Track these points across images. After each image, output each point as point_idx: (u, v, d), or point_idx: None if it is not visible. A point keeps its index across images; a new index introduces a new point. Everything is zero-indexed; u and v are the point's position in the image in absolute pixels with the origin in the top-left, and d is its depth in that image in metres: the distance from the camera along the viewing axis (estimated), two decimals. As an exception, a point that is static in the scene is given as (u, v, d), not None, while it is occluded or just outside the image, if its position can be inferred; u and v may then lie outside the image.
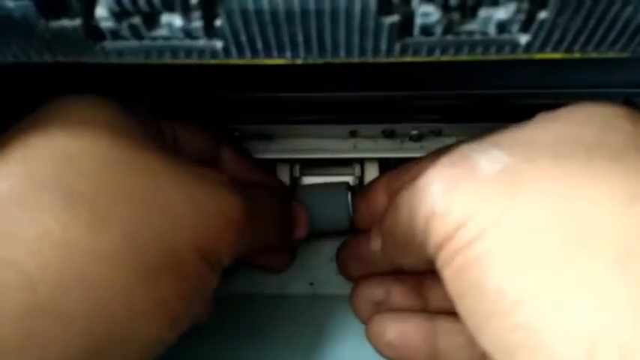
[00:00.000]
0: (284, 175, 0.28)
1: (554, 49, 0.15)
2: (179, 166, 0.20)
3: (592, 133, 0.17)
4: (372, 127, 0.27)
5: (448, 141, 0.27)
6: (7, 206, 0.16)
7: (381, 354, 0.24)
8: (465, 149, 0.18)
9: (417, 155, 0.26)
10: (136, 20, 0.14)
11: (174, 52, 0.16)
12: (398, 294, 0.24)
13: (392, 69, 0.19)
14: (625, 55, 0.16)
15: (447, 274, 0.18)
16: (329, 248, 0.28)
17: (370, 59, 0.16)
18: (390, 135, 0.27)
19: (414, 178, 0.19)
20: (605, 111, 0.18)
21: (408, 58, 0.16)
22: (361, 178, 0.28)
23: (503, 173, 0.17)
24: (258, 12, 0.14)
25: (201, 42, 0.15)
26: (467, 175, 0.17)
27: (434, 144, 0.27)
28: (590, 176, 0.16)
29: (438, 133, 0.27)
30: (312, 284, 0.28)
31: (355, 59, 0.16)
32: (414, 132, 0.27)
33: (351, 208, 0.26)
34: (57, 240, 0.16)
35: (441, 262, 0.18)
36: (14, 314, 0.15)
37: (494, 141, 0.19)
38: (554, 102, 0.26)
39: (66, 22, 0.15)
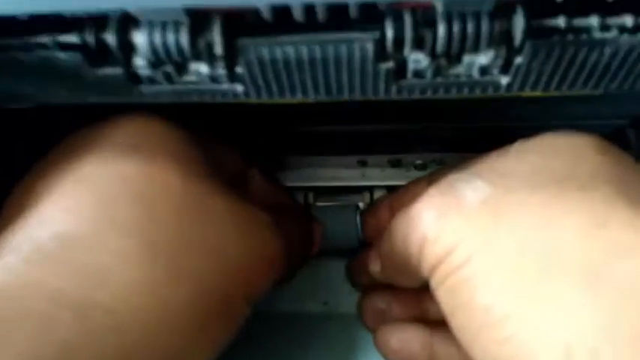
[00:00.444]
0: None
1: (533, 89, 0.17)
2: (236, 208, 0.21)
3: (563, 164, 0.19)
4: (379, 157, 0.29)
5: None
6: (96, 250, 0.18)
7: None
8: (451, 179, 0.20)
9: (422, 183, 0.28)
10: (169, 68, 0.17)
11: (201, 94, 0.18)
12: (398, 305, 0.26)
13: (396, 104, 0.20)
14: (598, 92, 0.18)
15: (440, 294, 0.20)
16: (342, 268, 0.30)
17: (371, 98, 0.18)
18: (396, 164, 0.29)
19: (413, 198, 0.21)
20: (575, 142, 0.20)
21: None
22: (370, 204, 0.30)
23: (486, 203, 0.19)
24: (273, 61, 0.16)
25: (225, 86, 0.18)
26: (454, 205, 0.19)
27: (437, 172, 0.29)
28: (561, 205, 0.18)
29: (441, 162, 0.29)
30: (325, 304, 0.30)
31: (358, 98, 0.18)
32: (419, 162, 0.29)
33: (360, 229, 0.28)
34: (140, 288, 0.18)
35: (434, 283, 0.20)
36: (111, 355, 0.17)
37: (477, 171, 0.20)
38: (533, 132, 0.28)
39: (109, 70, 0.17)
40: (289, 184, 0.30)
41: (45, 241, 0.18)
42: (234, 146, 0.26)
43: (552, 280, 0.17)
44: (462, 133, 0.28)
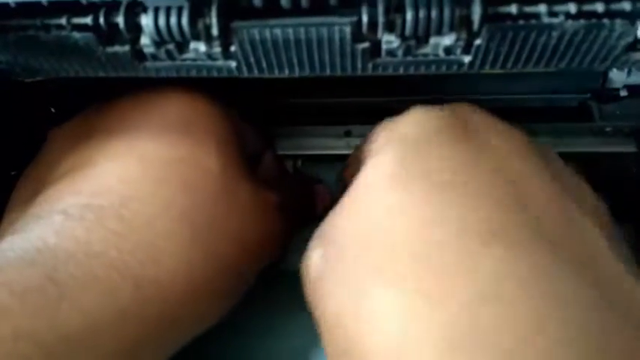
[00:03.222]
0: (288, 168, 0.33)
1: (492, 67, 0.20)
2: (254, 194, 0.24)
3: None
4: (362, 128, 0.31)
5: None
6: (151, 231, 0.20)
7: None
8: (310, 242, 0.21)
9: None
10: (171, 47, 0.19)
11: (199, 69, 0.20)
12: None
13: (377, 79, 0.22)
14: (551, 70, 0.20)
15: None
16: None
17: (350, 74, 0.20)
18: (378, 134, 0.31)
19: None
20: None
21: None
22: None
23: (323, 273, 0.20)
24: (263, 41, 0.19)
25: (220, 62, 0.20)
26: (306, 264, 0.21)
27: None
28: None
29: (420, 133, 0.31)
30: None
31: (339, 74, 0.20)
32: (399, 131, 0.31)
33: None
34: (182, 266, 0.21)
35: None
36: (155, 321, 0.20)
37: (323, 237, 0.21)
38: (516, 105, 0.30)
39: (118, 48, 0.19)
40: (280, 151, 0.32)
41: (106, 213, 0.20)
42: (257, 126, 0.29)
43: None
44: (437, 104, 0.30)
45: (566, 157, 0.32)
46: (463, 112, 0.22)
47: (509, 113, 0.30)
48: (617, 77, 0.27)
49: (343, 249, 0.19)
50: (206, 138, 0.23)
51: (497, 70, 0.20)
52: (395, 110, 0.31)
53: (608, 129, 0.30)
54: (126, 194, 0.21)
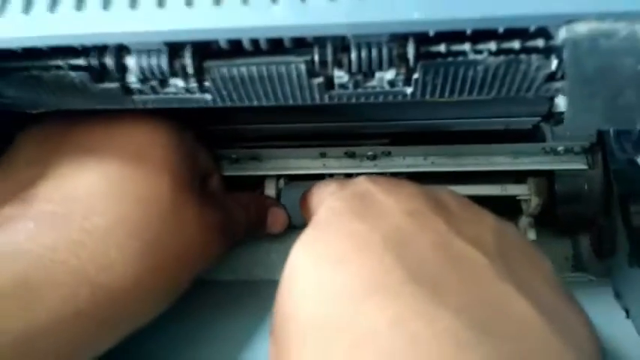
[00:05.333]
0: (271, 188, 0.36)
1: (431, 96, 0.23)
2: (199, 215, 0.28)
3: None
4: (337, 150, 0.34)
5: (397, 160, 0.34)
6: (108, 243, 0.24)
7: None
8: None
9: (372, 171, 0.34)
10: (154, 83, 0.22)
11: (180, 101, 0.23)
12: None
13: (345, 106, 0.25)
14: (481, 98, 0.23)
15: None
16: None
17: (310, 103, 0.23)
18: (351, 155, 0.34)
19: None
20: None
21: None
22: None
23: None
24: (231, 77, 0.22)
25: (197, 95, 0.23)
26: None
27: (385, 162, 0.34)
28: None
29: (388, 154, 0.34)
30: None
31: (300, 104, 0.23)
32: (370, 153, 0.34)
33: None
34: (132, 273, 0.24)
35: None
36: (108, 319, 0.24)
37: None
38: (477, 128, 0.33)
39: (108, 84, 0.22)
40: (263, 172, 0.35)
41: (72, 224, 0.23)
42: (209, 149, 0.33)
43: None
44: (403, 129, 0.33)
45: (523, 174, 0.35)
46: (360, 186, 0.25)
47: (471, 136, 0.34)
48: (562, 102, 0.30)
49: (276, 325, 0.22)
50: (161, 165, 0.26)
51: (442, 99, 0.23)
52: (364, 135, 0.34)
53: (560, 148, 0.33)
54: (89, 206, 0.24)
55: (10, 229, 0.23)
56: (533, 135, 0.34)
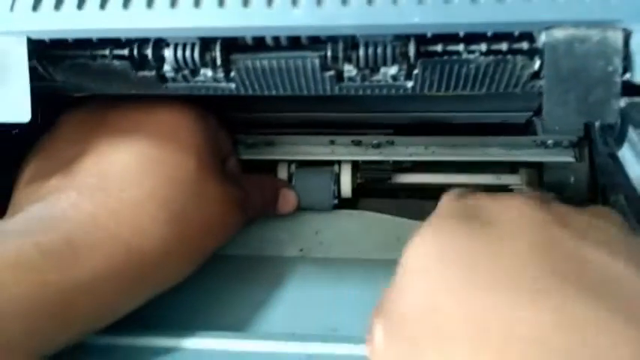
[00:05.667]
0: (283, 172, 0.39)
1: (429, 90, 0.26)
2: (220, 190, 0.31)
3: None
4: (345, 138, 0.37)
5: (400, 149, 0.37)
6: (142, 213, 0.27)
7: None
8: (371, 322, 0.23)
9: (377, 158, 0.37)
10: (186, 72, 0.25)
11: (207, 89, 0.26)
12: None
13: (358, 98, 0.27)
14: (475, 93, 0.26)
15: None
16: (315, 222, 0.39)
17: (322, 94, 0.27)
18: (357, 144, 0.37)
19: None
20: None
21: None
22: (338, 174, 0.38)
23: (384, 347, 0.22)
24: (254, 69, 0.25)
25: (223, 84, 0.26)
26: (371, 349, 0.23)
27: (389, 150, 0.37)
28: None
29: (392, 143, 0.37)
30: (301, 250, 0.38)
31: (313, 94, 0.27)
32: (375, 142, 0.37)
33: (331, 190, 0.37)
34: (161, 240, 0.27)
35: None
36: (140, 277, 0.27)
37: (382, 312, 0.22)
38: (473, 122, 0.36)
39: (146, 73, 0.26)
40: (276, 157, 0.38)
41: (109, 194, 0.27)
42: (229, 132, 0.36)
43: None
44: (406, 120, 0.36)
45: (514, 165, 0.38)
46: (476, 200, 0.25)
47: (468, 128, 0.37)
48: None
49: (400, 324, 0.21)
50: (187, 145, 0.30)
51: (440, 93, 0.26)
52: (370, 125, 0.37)
53: (549, 142, 0.36)
54: (125, 180, 0.27)
55: (56, 198, 0.26)
56: (526, 129, 0.37)
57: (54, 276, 0.23)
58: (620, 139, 0.31)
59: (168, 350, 0.28)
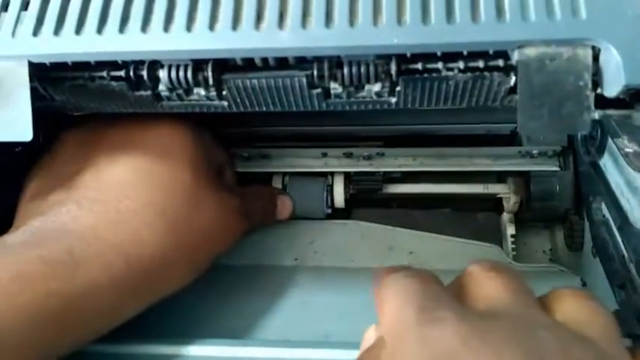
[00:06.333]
0: (278, 183, 0.40)
1: (412, 105, 0.27)
2: (217, 198, 0.32)
3: None
4: (336, 150, 0.39)
5: (390, 160, 0.38)
6: (140, 222, 0.28)
7: None
8: None
9: (368, 169, 0.38)
10: (180, 91, 0.27)
11: (201, 107, 0.28)
12: None
13: (348, 112, 0.29)
14: (462, 107, 0.27)
15: None
16: (309, 234, 0.40)
17: (311, 110, 0.28)
18: (349, 156, 0.39)
19: None
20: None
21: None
22: (331, 185, 0.40)
23: None
24: (245, 87, 0.26)
25: (216, 102, 0.27)
26: None
27: (379, 161, 0.38)
28: None
29: (382, 155, 0.38)
30: (296, 259, 0.39)
31: (302, 110, 0.28)
32: (365, 154, 0.38)
33: (324, 199, 0.38)
34: (159, 247, 0.28)
35: None
36: (138, 285, 0.28)
37: None
38: (461, 133, 0.38)
39: (142, 93, 0.27)
40: (271, 169, 0.40)
41: (108, 206, 0.28)
42: (223, 147, 0.37)
43: None
44: (395, 132, 0.38)
45: (503, 174, 0.39)
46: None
47: (456, 139, 0.38)
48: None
49: None
50: (182, 158, 0.31)
51: (421, 108, 0.28)
52: (360, 137, 0.39)
53: (534, 152, 0.37)
54: (122, 193, 0.29)
55: (57, 212, 0.28)
56: (512, 139, 0.38)
57: (57, 285, 0.25)
58: (601, 148, 0.33)
59: (166, 358, 0.29)
